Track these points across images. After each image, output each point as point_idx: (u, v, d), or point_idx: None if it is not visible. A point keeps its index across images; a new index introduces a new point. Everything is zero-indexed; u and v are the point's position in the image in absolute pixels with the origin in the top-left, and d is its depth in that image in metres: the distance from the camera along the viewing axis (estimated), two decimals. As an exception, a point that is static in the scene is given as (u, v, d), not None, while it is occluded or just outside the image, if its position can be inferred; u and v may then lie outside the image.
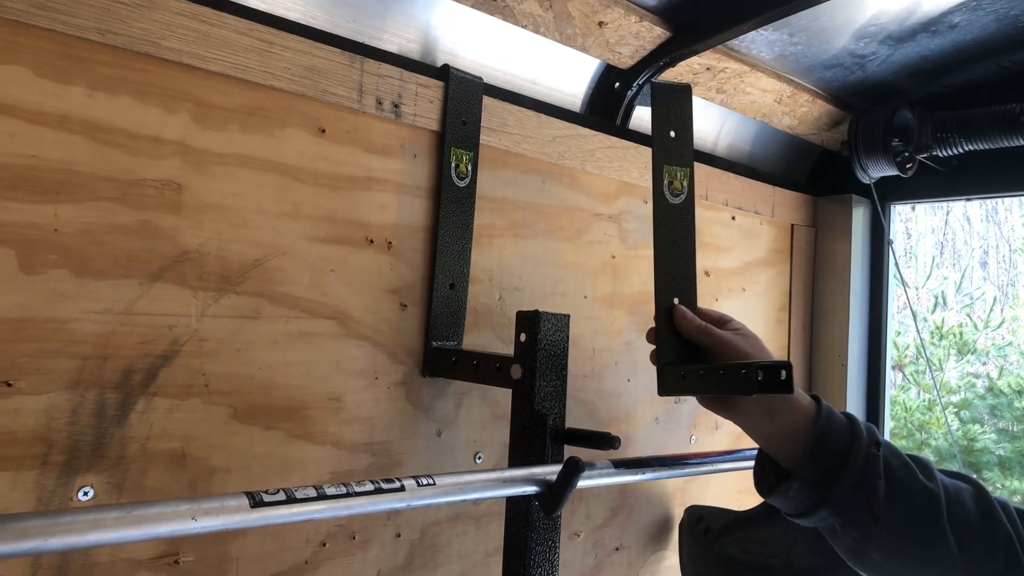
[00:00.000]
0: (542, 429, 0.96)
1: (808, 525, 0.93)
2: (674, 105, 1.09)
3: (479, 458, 1.14)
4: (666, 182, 1.07)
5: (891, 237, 1.75)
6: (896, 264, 1.75)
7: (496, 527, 1.15)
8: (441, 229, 1.09)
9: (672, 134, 1.07)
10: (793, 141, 1.73)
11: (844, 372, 1.68)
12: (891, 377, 1.73)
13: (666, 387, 1.01)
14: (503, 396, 1.15)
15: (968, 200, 1.68)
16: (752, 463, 1.12)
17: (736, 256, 1.57)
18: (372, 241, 1.02)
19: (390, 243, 1.04)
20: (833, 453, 0.89)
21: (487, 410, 1.15)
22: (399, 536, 1.05)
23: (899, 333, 7.26)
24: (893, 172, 1.60)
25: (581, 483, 0.94)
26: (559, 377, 0.98)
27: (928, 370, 6.99)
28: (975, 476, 0.98)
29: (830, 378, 1.70)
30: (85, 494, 0.80)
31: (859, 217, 1.74)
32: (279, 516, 0.70)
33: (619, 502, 1.34)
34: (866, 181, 1.65)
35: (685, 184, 1.07)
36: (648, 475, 1.02)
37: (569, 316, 0.99)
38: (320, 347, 0.97)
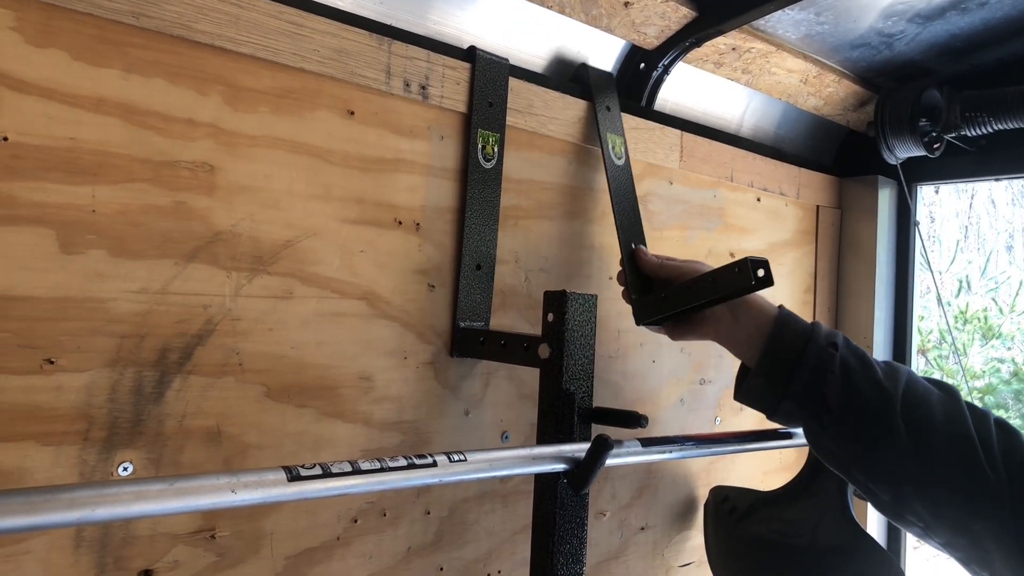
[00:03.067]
0: (570, 408, 0.97)
1: (780, 422, 1.06)
2: (605, 87, 1.27)
3: (506, 437, 1.15)
4: (610, 146, 1.24)
5: (917, 218, 1.74)
6: (923, 245, 1.73)
7: (523, 505, 1.16)
8: (468, 210, 1.09)
9: (608, 108, 1.26)
10: (819, 122, 1.72)
11: (870, 353, 1.67)
12: (916, 364, 1.72)
13: (644, 314, 1.15)
14: (529, 376, 1.16)
15: (997, 180, 1.66)
16: (779, 442, 1.13)
17: (762, 238, 1.57)
18: (400, 222, 1.03)
19: (418, 224, 1.05)
20: (790, 350, 1.01)
21: (514, 390, 1.16)
22: (428, 513, 1.06)
23: (922, 318, 7.19)
24: (920, 152, 1.58)
25: (609, 461, 0.95)
26: (586, 356, 0.98)
27: (953, 355, 6.91)
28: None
29: (855, 360, 1.69)
30: (125, 469, 0.82)
31: (885, 198, 1.72)
32: (315, 490, 0.71)
33: (644, 482, 1.35)
34: (892, 162, 1.64)
35: (623, 149, 1.25)
36: (675, 453, 1.03)
37: (596, 296, 0.99)
38: (350, 327, 0.99)
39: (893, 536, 1.64)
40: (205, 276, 0.87)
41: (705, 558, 1.40)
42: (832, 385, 0.97)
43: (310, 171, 0.95)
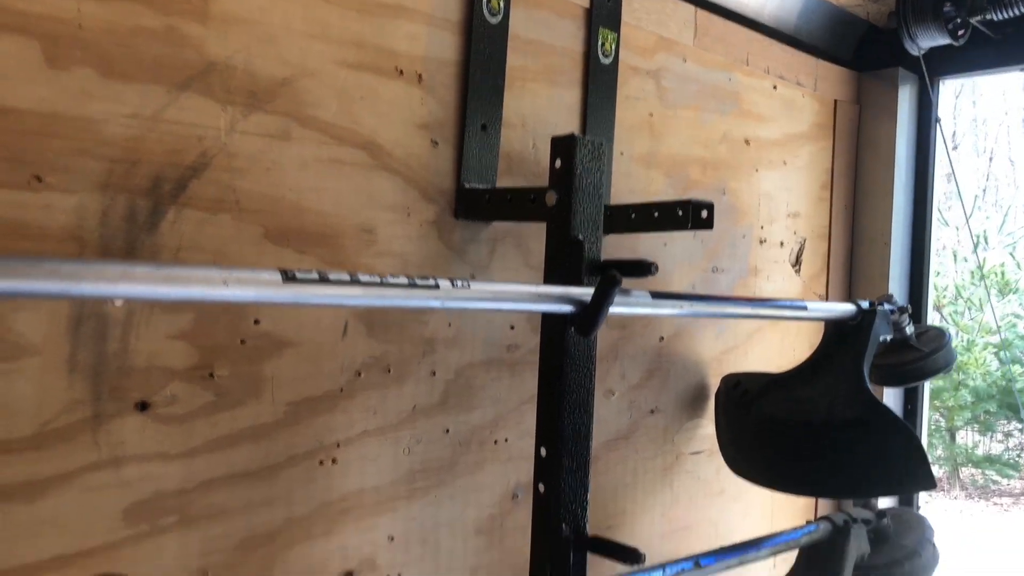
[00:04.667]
0: (578, 257, 0.94)
1: None
2: None
3: (513, 306, 1.12)
4: (599, 43, 1.17)
5: (939, 115, 1.68)
6: (944, 143, 1.68)
7: (530, 376, 1.14)
8: (472, 66, 1.05)
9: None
10: (839, 15, 1.65)
11: (887, 252, 1.63)
12: (930, 319, 1.67)
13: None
14: (537, 246, 1.13)
15: (1023, 70, 1.60)
16: (794, 312, 1.09)
17: (777, 127, 1.52)
18: (402, 72, 1.00)
19: (420, 76, 1.01)
20: None
21: (520, 259, 1.13)
22: (434, 374, 1.04)
23: (938, 273, 7.10)
24: (944, 40, 1.52)
25: (617, 309, 0.92)
26: (595, 205, 0.95)
27: (968, 310, 6.81)
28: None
29: (872, 259, 1.65)
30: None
31: (906, 94, 1.67)
32: (311, 295, 0.68)
33: (655, 365, 1.32)
34: (915, 52, 1.58)
35: (613, 47, 1.20)
36: (685, 309, 1.00)
37: (605, 142, 0.95)
38: (351, 176, 0.96)
39: (910, 412, 1.61)
40: (199, 107, 0.84)
41: (716, 448, 1.38)
42: None
43: (306, 7, 0.91)
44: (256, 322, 0.89)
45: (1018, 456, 6.63)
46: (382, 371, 0.99)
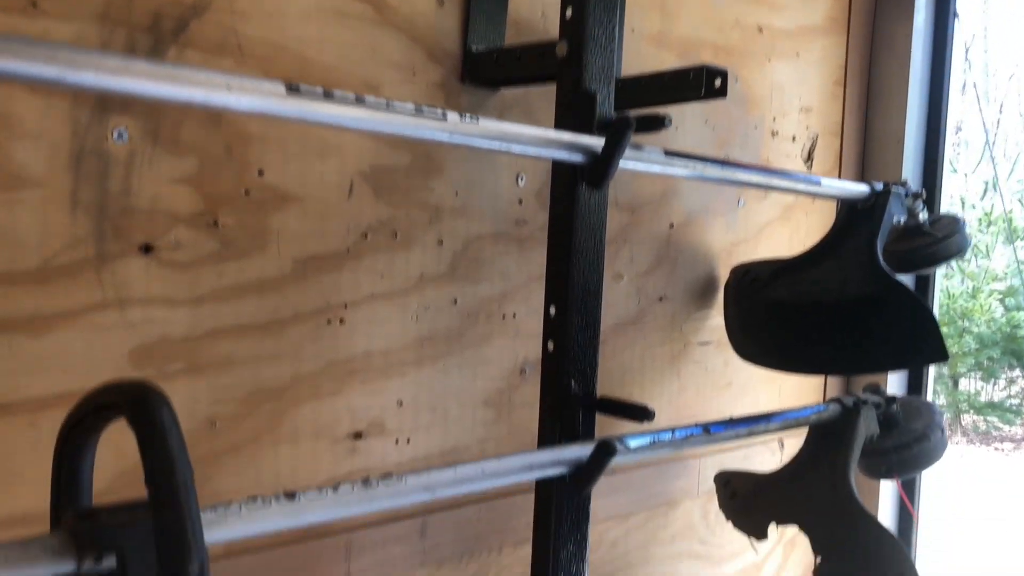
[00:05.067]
0: (589, 111, 0.91)
1: None
2: None
3: (521, 179, 1.10)
4: None
5: (957, 10, 1.64)
6: (963, 40, 1.64)
7: (538, 253, 1.12)
8: (478, -78, 1.02)
9: None
10: (855, -96, 1.60)
11: (900, 150, 1.60)
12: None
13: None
14: (546, 118, 1.10)
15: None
16: (808, 186, 1.07)
17: (790, 17, 1.48)
18: (406, -76, 0.96)
19: (425, -70, 0.98)
20: None
21: (529, 132, 1.10)
22: (441, 243, 1.03)
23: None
24: (965, -73, 1.47)
25: (630, 165, 0.91)
26: (607, 57, 0.92)
27: (975, 258, 6.75)
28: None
29: (885, 157, 1.62)
30: (120, 136, 0.78)
31: (923, -12, 1.62)
32: (315, 111, 0.67)
33: (663, 252, 1.30)
34: (934, -58, 1.53)
35: None
36: (698, 170, 0.98)
37: (618, -8, 0.92)
38: (354, 29, 0.93)
39: (921, 288, 1.60)
40: (197, -57, 0.81)
41: (725, 339, 1.36)
42: None
43: None
44: (260, 173, 0.87)
45: (1020, 403, 6.65)
46: (389, 235, 0.98)
